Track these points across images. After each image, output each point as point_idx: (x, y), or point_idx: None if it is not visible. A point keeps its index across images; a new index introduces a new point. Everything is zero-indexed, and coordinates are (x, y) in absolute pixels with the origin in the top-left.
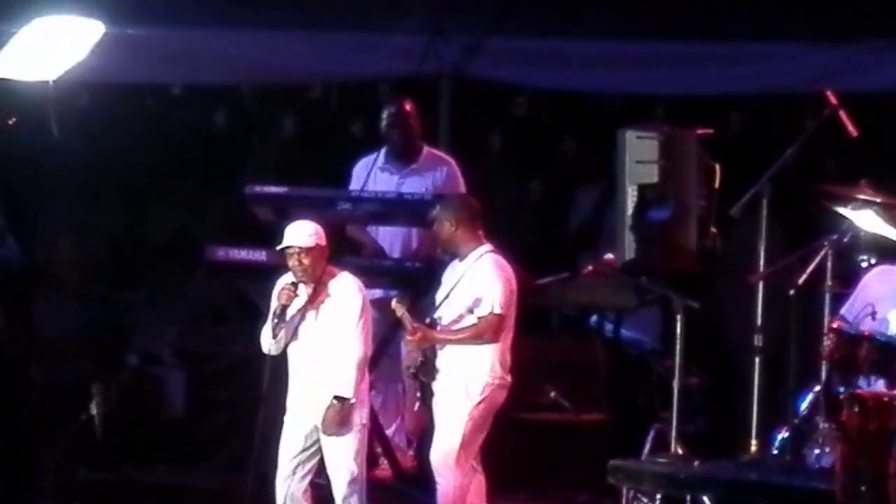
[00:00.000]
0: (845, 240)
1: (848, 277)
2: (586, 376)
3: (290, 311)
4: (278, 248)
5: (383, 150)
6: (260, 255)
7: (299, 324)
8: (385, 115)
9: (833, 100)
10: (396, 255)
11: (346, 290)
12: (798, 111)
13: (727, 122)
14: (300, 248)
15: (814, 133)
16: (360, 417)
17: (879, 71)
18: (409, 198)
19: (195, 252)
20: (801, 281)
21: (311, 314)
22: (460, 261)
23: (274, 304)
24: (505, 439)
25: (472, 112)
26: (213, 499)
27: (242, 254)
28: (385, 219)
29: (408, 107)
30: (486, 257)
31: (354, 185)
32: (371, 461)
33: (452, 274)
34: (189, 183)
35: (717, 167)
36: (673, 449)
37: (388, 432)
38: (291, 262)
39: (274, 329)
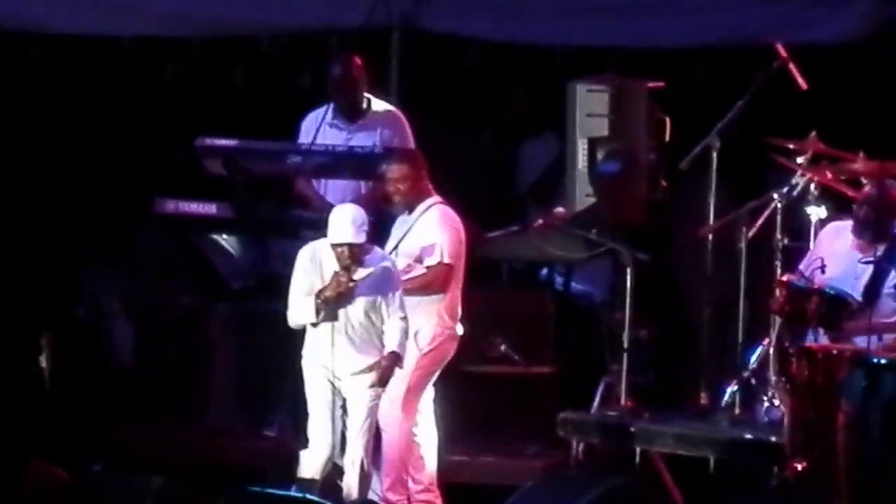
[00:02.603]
0: (794, 193)
1: (798, 231)
2: (536, 329)
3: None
4: (330, 243)
5: (332, 105)
6: (210, 208)
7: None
8: (331, 76)
9: (783, 52)
10: None
11: (386, 265)
12: (748, 64)
13: (677, 75)
14: (355, 244)
15: (763, 86)
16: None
17: (829, 23)
18: (359, 151)
19: (145, 204)
20: (750, 234)
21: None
22: (409, 213)
23: (303, 276)
24: (454, 392)
25: (422, 64)
26: (162, 451)
27: (192, 206)
28: (335, 172)
29: (354, 69)
30: (434, 209)
31: (303, 138)
32: None
33: (401, 226)
34: (138, 135)
35: (667, 120)
36: (622, 401)
37: None
38: (340, 252)
39: (318, 309)
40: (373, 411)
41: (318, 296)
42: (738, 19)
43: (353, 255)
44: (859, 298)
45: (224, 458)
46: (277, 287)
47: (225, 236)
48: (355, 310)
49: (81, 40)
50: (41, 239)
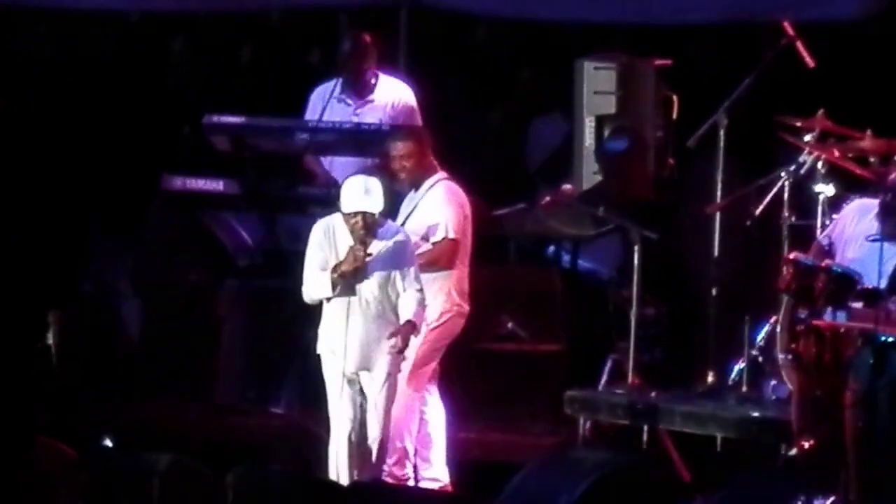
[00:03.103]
0: (802, 171)
1: (805, 209)
2: (543, 306)
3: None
4: (343, 212)
5: (340, 80)
6: (217, 185)
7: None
8: (340, 52)
9: (790, 30)
10: None
11: (400, 238)
12: (756, 42)
13: (685, 53)
14: (373, 213)
15: (771, 64)
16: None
17: (837, 1)
18: (366, 128)
19: (152, 181)
20: (758, 212)
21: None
22: (415, 191)
23: (317, 251)
24: (462, 369)
25: (431, 41)
26: (169, 428)
27: (200, 183)
28: (342, 149)
29: (363, 45)
30: (439, 185)
31: (310, 113)
32: None
33: (408, 204)
34: (146, 112)
35: (675, 98)
36: (629, 379)
37: None
38: (354, 223)
39: (334, 284)
40: (389, 391)
41: (334, 270)
42: None
43: (367, 226)
44: (884, 283)
45: (232, 436)
46: (285, 264)
47: (232, 213)
48: (370, 284)
49: (89, 17)
50: (49, 216)
